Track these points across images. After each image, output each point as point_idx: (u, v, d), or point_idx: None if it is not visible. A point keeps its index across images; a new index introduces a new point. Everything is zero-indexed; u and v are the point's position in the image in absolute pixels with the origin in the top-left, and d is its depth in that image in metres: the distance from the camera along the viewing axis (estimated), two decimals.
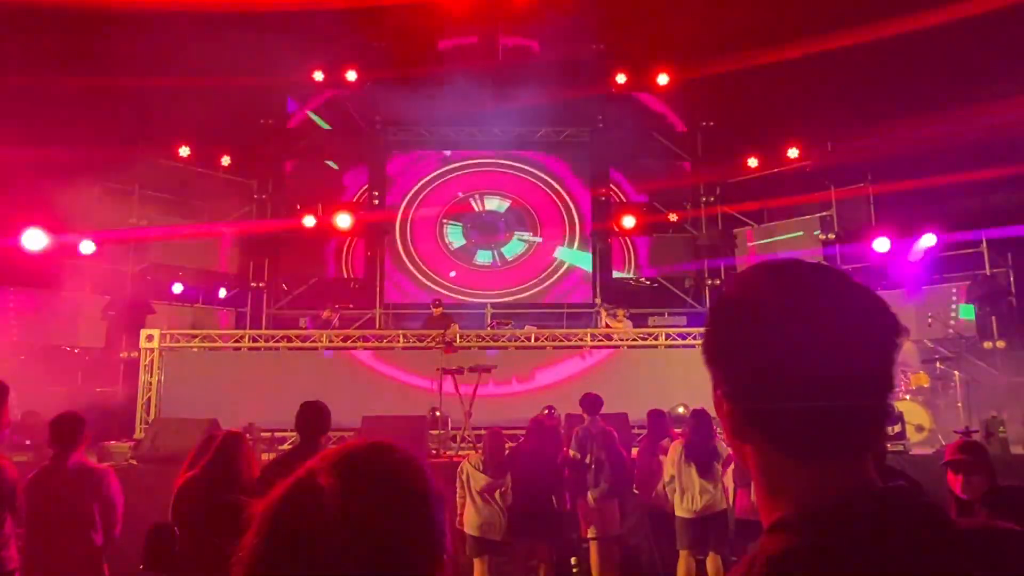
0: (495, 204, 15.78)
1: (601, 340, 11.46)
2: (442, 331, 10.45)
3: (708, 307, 0.92)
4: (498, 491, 6.11)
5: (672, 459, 6.27)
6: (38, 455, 6.99)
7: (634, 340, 11.45)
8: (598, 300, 14.13)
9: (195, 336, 11.41)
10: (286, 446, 8.39)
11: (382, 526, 0.91)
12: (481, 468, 6.15)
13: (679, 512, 6.20)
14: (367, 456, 0.99)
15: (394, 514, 0.93)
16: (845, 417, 0.83)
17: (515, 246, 15.65)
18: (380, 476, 0.96)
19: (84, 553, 4.27)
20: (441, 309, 11.81)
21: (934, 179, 10.63)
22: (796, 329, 0.84)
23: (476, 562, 6.12)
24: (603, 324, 12.08)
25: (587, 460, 6.66)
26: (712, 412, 6.43)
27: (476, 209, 15.73)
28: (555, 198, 15.58)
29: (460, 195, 15.68)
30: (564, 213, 15.52)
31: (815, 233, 13.44)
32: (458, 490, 6.24)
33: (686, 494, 6.14)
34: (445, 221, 15.63)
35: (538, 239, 15.49)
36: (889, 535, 0.77)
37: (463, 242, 15.63)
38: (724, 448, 6.44)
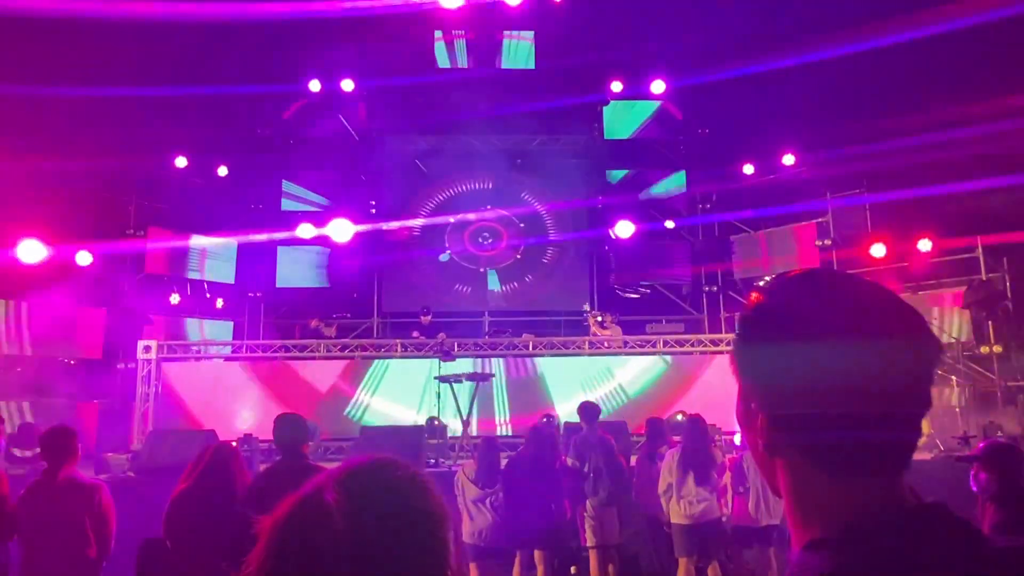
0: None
1: (598, 347, 11.47)
2: (440, 340, 10.46)
3: (739, 316, 0.88)
4: (489, 499, 6.11)
5: (669, 466, 6.26)
6: (35, 468, 6.97)
7: (632, 347, 11.45)
8: (586, 307, 14.10)
9: (193, 347, 11.41)
10: None
11: (387, 543, 0.92)
12: (473, 478, 6.16)
13: (675, 519, 6.19)
14: (372, 473, 1.00)
15: (399, 531, 0.94)
16: (885, 432, 0.81)
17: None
18: (385, 493, 0.97)
19: (78, 567, 4.24)
20: (430, 318, 11.78)
21: (930, 185, 10.66)
22: (836, 340, 0.82)
23: (470, 566, 6.13)
24: (592, 332, 12.02)
25: (585, 468, 6.65)
26: (708, 419, 6.46)
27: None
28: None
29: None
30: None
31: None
32: (457, 498, 6.24)
33: (683, 501, 6.14)
34: None
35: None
36: (931, 555, 0.76)
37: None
38: (720, 455, 6.45)
